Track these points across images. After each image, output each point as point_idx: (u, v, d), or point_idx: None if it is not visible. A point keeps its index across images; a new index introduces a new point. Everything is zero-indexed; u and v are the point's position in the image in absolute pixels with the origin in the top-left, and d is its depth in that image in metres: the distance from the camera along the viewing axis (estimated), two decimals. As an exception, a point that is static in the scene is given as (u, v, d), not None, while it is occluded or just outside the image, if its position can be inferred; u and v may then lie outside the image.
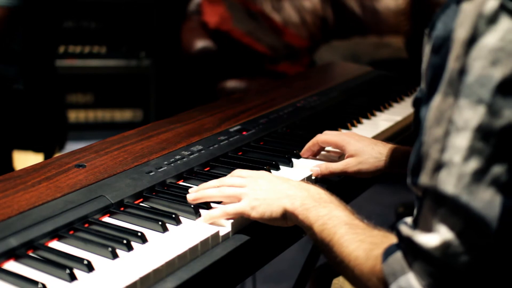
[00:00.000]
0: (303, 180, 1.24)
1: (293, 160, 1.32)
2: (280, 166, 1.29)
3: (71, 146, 1.91)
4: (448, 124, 0.75)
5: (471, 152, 0.73)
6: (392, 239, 0.87)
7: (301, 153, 1.35)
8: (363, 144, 1.29)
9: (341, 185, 1.32)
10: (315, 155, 1.36)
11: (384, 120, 1.66)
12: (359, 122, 1.61)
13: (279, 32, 3.84)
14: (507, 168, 0.73)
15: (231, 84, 3.55)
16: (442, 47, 0.77)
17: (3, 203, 1.02)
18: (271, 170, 1.26)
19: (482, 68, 0.73)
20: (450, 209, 0.74)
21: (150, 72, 3.93)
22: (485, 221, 0.72)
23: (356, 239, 0.90)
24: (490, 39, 0.73)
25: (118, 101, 4.03)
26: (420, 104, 0.83)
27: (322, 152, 1.37)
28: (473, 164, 0.73)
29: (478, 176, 0.73)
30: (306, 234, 1.02)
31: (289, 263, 2.44)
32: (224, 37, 3.54)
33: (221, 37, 3.55)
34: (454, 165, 0.74)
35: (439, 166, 0.75)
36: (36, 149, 2.60)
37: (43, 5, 2.36)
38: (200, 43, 3.52)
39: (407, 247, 0.79)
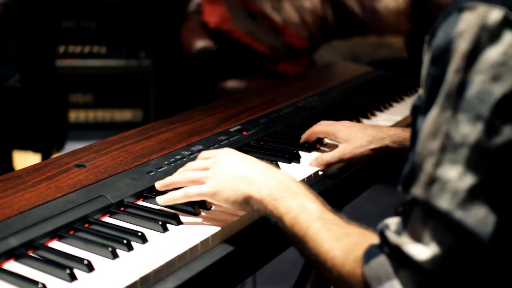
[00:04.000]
0: (303, 180, 1.24)
1: (293, 159, 1.33)
2: (281, 166, 1.29)
3: (71, 146, 1.91)
4: (444, 139, 0.73)
5: (467, 168, 0.71)
6: (370, 237, 0.85)
7: (301, 141, 1.39)
8: (353, 129, 1.31)
9: (338, 188, 1.32)
10: (312, 148, 1.39)
11: (384, 120, 1.66)
12: (359, 122, 1.61)
13: (279, 32, 3.84)
14: (503, 186, 0.71)
15: (231, 84, 3.55)
16: (442, 58, 0.74)
17: (3, 203, 1.02)
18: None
19: (482, 83, 0.70)
20: (442, 225, 0.73)
21: (150, 72, 3.93)
22: (477, 238, 0.71)
23: (332, 236, 0.87)
24: (493, 53, 0.70)
25: (118, 101, 4.03)
26: (418, 112, 0.81)
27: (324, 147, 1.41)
28: (469, 180, 0.71)
29: (473, 193, 0.71)
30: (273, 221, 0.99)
31: (289, 263, 2.44)
32: (224, 37, 3.54)
33: (221, 37, 3.55)
34: (449, 181, 0.72)
35: (432, 181, 0.74)
36: (35, 149, 2.60)
37: (38, 4, 2.35)
38: (200, 43, 3.52)
39: (395, 254, 0.78)
